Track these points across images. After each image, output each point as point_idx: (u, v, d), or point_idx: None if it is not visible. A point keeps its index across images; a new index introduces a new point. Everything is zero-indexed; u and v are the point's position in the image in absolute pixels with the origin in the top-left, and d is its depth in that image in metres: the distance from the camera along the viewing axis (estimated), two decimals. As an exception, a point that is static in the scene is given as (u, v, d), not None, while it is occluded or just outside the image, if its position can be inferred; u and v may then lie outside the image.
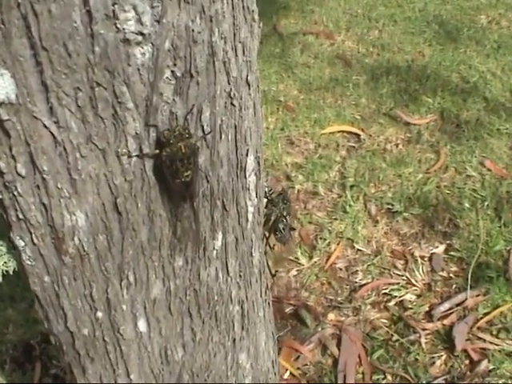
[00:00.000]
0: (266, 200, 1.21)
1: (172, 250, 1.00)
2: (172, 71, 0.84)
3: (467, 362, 2.08)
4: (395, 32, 4.17)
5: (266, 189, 1.21)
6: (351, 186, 2.83)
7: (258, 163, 1.10)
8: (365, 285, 2.39)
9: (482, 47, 3.98)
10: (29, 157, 0.86)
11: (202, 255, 1.05)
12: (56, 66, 0.78)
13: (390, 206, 2.74)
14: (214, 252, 1.07)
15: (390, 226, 2.65)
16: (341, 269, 2.47)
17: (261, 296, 1.28)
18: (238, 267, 1.14)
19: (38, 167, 0.87)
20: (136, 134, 0.86)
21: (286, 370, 2.07)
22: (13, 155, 0.86)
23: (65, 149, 0.85)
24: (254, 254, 1.18)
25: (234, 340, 1.23)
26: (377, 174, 2.91)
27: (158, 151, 0.89)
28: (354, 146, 3.12)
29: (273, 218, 1.23)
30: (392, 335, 2.18)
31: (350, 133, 3.21)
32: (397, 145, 3.11)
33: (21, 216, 0.94)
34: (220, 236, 1.06)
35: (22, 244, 0.98)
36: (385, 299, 2.33)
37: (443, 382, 2.03)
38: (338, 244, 2.56)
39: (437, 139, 3.14)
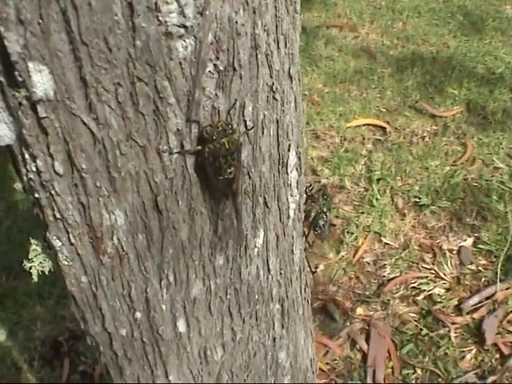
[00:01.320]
0: (305, 196, 1.17)
1: (213, 249, 0.96)
2: (215, 65, 0.80)
3: (497, 356, 2.05)
4: (419, 24, 4.11)
5: (306, 184, 1.16)
6: (378, 180, 2.80)
7: (299, 158, 1.05)
8: (393, 279, 2.36)
9: (508, 38, 3.91)
10: (67, 155, 0.82)
11: (243, 253, 1.01)
12: (96, 61, 0.74)
13: (417, 199, 2.70)
14: (256, 250, 1.03)
15: (417, 220, 2.61)
16: (368, 263, 2.44)
17: (300, 293, 1.23)
18: (279, 265, 1.10)
19: (77, 165, 0.83)
20: (177, 130, 0.82)
21: (315, 364, 2.03)
22: (50, 153, 0.83)
23: (104, 146, 0.81)
24: (295, 252, 1.14)
25: (274, 339, 1.19)
26: (403, 167, 2.86)
27: (200, 147, 0.84)
28: (379, 139, 3.07)
29: (312, 214, 1.18)
30: (421, 329, 2.16)
31: (375, 126, 3.17)
32: (423, 137, 3.07)
33: (58, 215, 0.90)
34: (261, 233, 1.02)
35: (59, 244, 0.94)
36: (413, 293, 2.30)
37: (473, 376, 2.00)
38: (365, 238, 2.53)
39: (463, 131, 3.08)
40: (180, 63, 0.77)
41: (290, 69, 0.93)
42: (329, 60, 3.71)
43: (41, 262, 1.03)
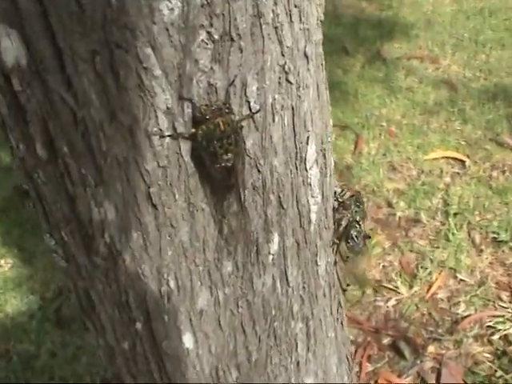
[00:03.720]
0: (336, 203, 1.01)
1: (219, 253, 0.83)
2: (208, 32, 0.68)
3: None
4: (503, 56, 3.89)
5: (337, 189, 1.01)
6: (455, 214, 2.62)
7: (324, 156, 0.91)
8: (467, 316, 2.19)
9: None
10: (47, 137, 0.71)
11: (254, 260, 0.87)
12: (67, 23, 0.63)
13: (495, 235, 2.51)
14: (270, 257, 0.88)
15: (495, 256, 2.42)
16: (442, 299, 2.28)
17: (331, 313, 1.07)
18: (301, 278, 0.95)
19: (58, 150, 0.72)
20: (167, 108, 0.70)
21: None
22: (30, 135, 0.72)
23: (86, 127, 0.70)
24: (319, 263, 0.98)
25: (298, 362, 1.03)
26: (482, 202, 2.67)
27: (194, 130, 0.72)
28: (458, 173, 2.90)
29: (344, 224, 1.02)
30: (495, 371, 1.97)
31: (454, 159, 3.00)
32: (503, 171, 2.87)
33: (47, 208, 0.80)
34: (276, 238, 0.87)
35: (53, 242, 0.84)
36: (488, 332, 2.12)
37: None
38: (439, 273, 2.37)
39: (547, 166, 2.86)
40: (166, 29, 0.65)
41: (305, 47, 0.79)
42: (408, 91, 3.56)
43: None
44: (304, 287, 0.96)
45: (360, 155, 2.99)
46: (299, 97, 0.81)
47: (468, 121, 3.26)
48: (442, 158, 3.01)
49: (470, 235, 2.52)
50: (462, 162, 2.96)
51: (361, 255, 1.07)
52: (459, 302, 2.25)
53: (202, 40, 0.68)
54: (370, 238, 1.08)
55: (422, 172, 2.92)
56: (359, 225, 1.03)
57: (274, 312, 0.93)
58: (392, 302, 2.25)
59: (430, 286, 2.31)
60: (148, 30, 0.64)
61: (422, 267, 2.37)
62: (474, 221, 2.58)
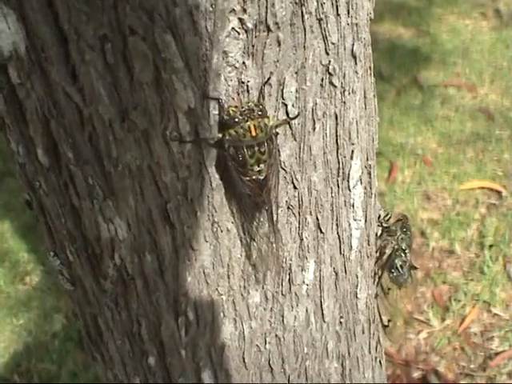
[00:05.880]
0: (380, 228, 0.87)
1: (245, 281, 0.70)
2: (240, 19, 0.55)
3: None
4: (542, 85, 3.76)
5: (382, 212, 0.87)
6: (490, 246, 2.49)
7: (369, 174, 0.77)
8: (501, 352, 2.07)
9: None
10: (50, 139, 0.59)
11: (286, 290, 0.73)
12: (73, 1, 0.50)
13: (532, 269, 2.40)
14: (304, 287, 0.74)
15: (531, 290, 2.32)
16: (475, 334, 2.17)
17: (369, 352, 0.92)
18: (338, 311, 0.81)
19: (62, 154, 0.60)
20: (189, 108, 0.57)
21: None
22: (31, 137, 0.60)
23: (94, 128, 0.57)
24: (359, 296, 0.83)
25: (331, 407, 0.88)
26: (518, 234, 2.56)
27: (220, 135, 0.59)
28: (494, 204, 2.77)
29: (388, 252, 0.88)
30: None
31: (490, 189, 2.88)
32: (541, 204, 2.76)
33: (50, 223, 0.68)
34: (312, 266, 0.74)
35: (58, 262, 0.72)
36: None
37: None
38: (473, 307, 2.25)
39: None
40: (190, 12, 0.53)
41: (353, 45, 0.66)
42: (445, 120, 3.43)
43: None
44: (341, 322, 0.82)
45: (394, 183, 2.88)
46: (344, 103, 0.68)
47: (505, 151, 3.14)
48: (478, 188, 2.89)
49: (505, 268, 2.40)
50: (499, 192, 2.84)
51: (404, 287, 0.92)
52: (493, 336, 2.14)
53: (233, 28, 0.56)
54: (416, 268, 0.93)
55: (457, 202, 2.81)
56: (405, 253, 0.89)
57: (306, 350, 0.79)
58: (423, 335, 2.15)
59: (463, 320, 2.20)
60: (168, 12, 0.52)
61: (455, 300, 2.26)
62: (510, 253, 2.46)
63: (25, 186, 0.68)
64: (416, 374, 2.03)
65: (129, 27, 0.52)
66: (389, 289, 0.92)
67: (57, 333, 2.22)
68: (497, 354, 2.06)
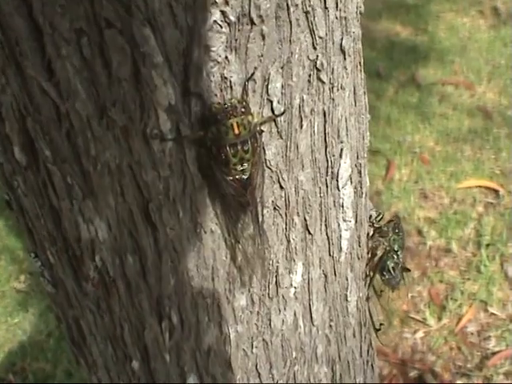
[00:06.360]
0: (371, 228, 0.84)
1: (231, 284, 0.67)
2: (222, 12, 0.52)
3: None
4: (541, 83, 3.74)
5: (373, 213, 0.84)
6: (487, 245, 2.47)
7: (359, 173, 0.74)
8: (498, 352, 2.05)
9: None
10: (26, 137, 0.56)
11: (273, 293, 0.70)
12: (46, -9, 0.48)
13: (529, 268, 2.37)
14: (292, 290, 0.72)
15: (528, 290, 2.30)
16: (472, 333, 2.15)
17: (360, 356, 0.89)
18: (328, 315, 0.78)
19: (39, 152, 0.57)
20: (170, 105, 0.54)
21: None
22: (7, 135, 0.57)
23: (71, 124, 0.54)
24: (349, 299, 0.81)
25: (321, 413, 0.86)
26: (515, 233, 2.53)
27: (202, 133, 0.56)
28: (491, 203, 2.74)
29: (379, 253, 0.85)
30: None
31: (488, 188, 2.85)
32: (539, 202, 2.73)
33: (30, 224, 0.65)
34: (300, 268, 0.71)
35: (39, 264, 0.69)
36: None
37: None
38: (470, 306, 2.23)
39: None
40: (169, 4, 0.50)
41: (342, 40, 0.63)
42: (442, 118, 3.40)
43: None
44: (331, 326, 0.80)
45: (391, 181, 2.86)
46: (333, 100, 0.65)
47: (503, 149, 3.11)
48: (476, 186, 2.86)
49: (502, 267, 2.38)
50: (496, 191, 2.81)
51: (396, 289, 0.89)
52: (490, 336, 2.13)
53: (215, 21, 0.53)
54: (409, 270, 0.90)
55: (454, 201, 2.78)
56: (397, 255, 0.86)
57: (294, 354, 0.77)
58: (420, 334, 2.13)
59: (460, 319, 2.18)
60: (146, 4, 0.50)
61: (451, 299, 2.24)
62: (507, 252, 2.43)
63: (3, 186, 0.65)
64: (412, 374, 2.01)
65: (105, 20, 0.49)
66: (381, 291, 0.89)
67: (52, 332, 2.20)
68: (494, 353, 2.05)
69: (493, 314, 2.19)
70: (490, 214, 2.66)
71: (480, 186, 2.85)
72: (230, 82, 0.56)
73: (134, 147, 0.56)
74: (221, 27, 0.53)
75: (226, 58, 0.55)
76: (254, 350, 0.73)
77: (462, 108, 3.48)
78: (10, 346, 2.17)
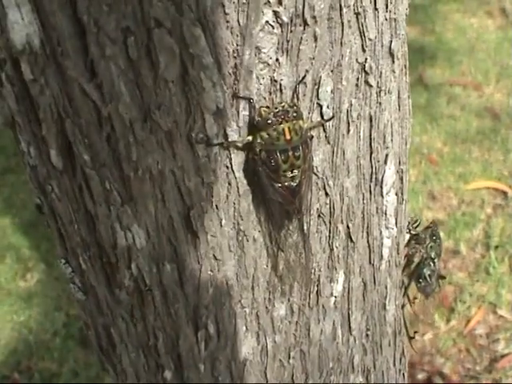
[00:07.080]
0: (407, 235, 0.82)
1: (271, 293, 0.65)
2: (275, 12, 0.50)
3: None
4: (549, 84, 3.72)
5: (409, 219, 0.81)
6: (496, 247, 2.44)
7: (401, 179, 0.72)
8: (507, 355, 2.04)
9: None
10: (64, 140, 0.53)
11: (313, 303, 0.68)
12: (94, -10, 0.45)
13: (539, 270, 2.36)
14: (332, 300, 0.69)
15: (538, 292, 2.28)
16: (481, 335, 2.13)
17: (394, 365, 0.86)
18: (365, 324, 0.76)
19: (78, 156, 0.54)
20: (217, 109, 0.52)
21: None
22: (43, 137, 0.55)
23: (113, 128, 0.52)
24: (387, 307, 0.78)
25: (355, 423, 0.83)
26: (525, 235, 2.50)
27: (251, 138, 0.53)
28: (500, 204, 2.72)
29: (416, 260, 0.83)
30: None
31: (496, 189, 2.83)
32: (547, 204, 2.72)
33: (62, 229, 0.62)
34: (341, 277, 0.69)
35: (70, 270, 0.66)
36: None
37: None
38: (478, 308, 2.21)
39: None
40: (222, 4, 0.47)
41: (391, 42, 0.60)
42: (450, 119, 3.37)
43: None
44: (367, 335, 0.77)
45: (399, 182, 2.84)
46: (379, 104, 0.62)
47: (511, 150, 3.09)
48: (484, 188, 2.83)
49: (511, 269, 2.36)
50: (505, 192, 2.78)
51: (432, 298, 0.87)
52: (499, 338, 2.11)
53: (267, 22, 0.51)
54: (444, 278, 0.88)
55: (462, 202, 2.76)
56: (434, 262, 0.84)
57: (331, 364, 0.74)
58: (428, 336, 2.12)
59: (469, 321, 2.16)
60: (198, 3, 0.47)
61: (460, 301, 2.23)
62: (516, 254, 2.43)
63: (35, 190, 0.63)
64: (421, 376, 2.00)
65: (154, 19, 0.47)
66: (415, 298, 0.87)
67: (58, 331, 2.19)
68: (502, 356, 2.03)
69: (502, 316, 2.17)
70: (498, 215, 2.63)
71: (488, 188, 2.82)
72: (280, 85, 0.53)
73: (178, 152, 0.54)
74: (273, 28, 0.51)
75: (277, 60, 0.52)
76: (291, 361, 0.70)
77: (470, 109, 3.46)
78: (15, 345, 2.15)
